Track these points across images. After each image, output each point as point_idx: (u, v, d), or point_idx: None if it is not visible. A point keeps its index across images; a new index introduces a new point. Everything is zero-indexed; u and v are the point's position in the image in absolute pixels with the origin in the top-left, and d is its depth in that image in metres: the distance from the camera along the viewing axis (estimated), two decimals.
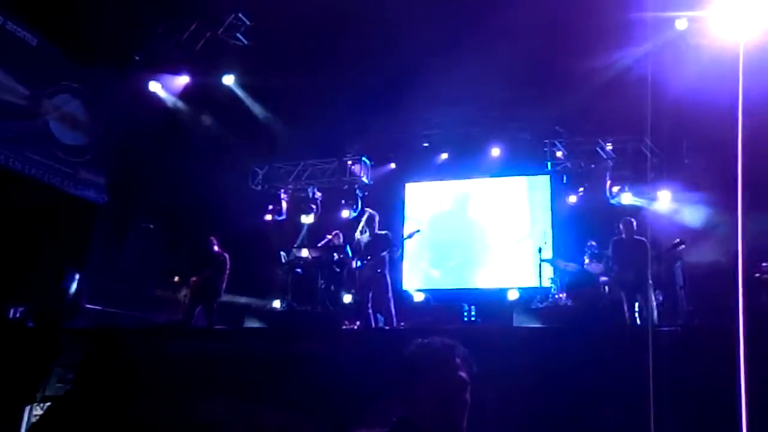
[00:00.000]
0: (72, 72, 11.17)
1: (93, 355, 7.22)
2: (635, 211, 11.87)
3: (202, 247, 10.12)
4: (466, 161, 13.94)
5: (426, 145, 14.20)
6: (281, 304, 12.01)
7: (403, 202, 14.44)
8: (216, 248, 10.11)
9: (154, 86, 12.19)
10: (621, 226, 9.25)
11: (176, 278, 11.47)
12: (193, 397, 6.56)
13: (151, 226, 11.40)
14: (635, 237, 8.99)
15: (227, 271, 9.96)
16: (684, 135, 11.94)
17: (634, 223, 9.19)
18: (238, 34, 10.94)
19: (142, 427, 6.33)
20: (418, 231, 9.38)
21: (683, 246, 9.02)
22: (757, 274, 8.68)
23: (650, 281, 8.61)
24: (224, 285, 10.01)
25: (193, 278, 9.95)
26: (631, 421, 5.09)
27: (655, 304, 8.56)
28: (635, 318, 8.52)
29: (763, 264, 8.99)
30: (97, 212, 11.60)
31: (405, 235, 9.46)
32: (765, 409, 3.11)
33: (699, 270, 9.87)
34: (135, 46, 11.33)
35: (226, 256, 10.02)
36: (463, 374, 2.05)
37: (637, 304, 8.72)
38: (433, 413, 2.02)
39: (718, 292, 9.38)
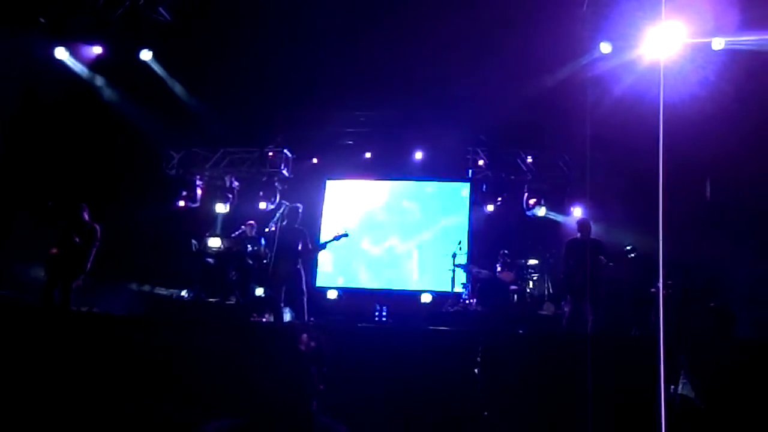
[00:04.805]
0: None
1: None
2: (553, 224, 12.17)
3: (69, 215, 8.93)
4: (388, 162, 13.95)
5: (350, 142, 14.07)
6: (188, 294, 11.54)
7: (323, 198, 14.23)
8: (86, 216, 8.92)
9: (60, 53, 11.21)
10: (577, 226, 9.23)
11: None
12: (87, 389, 6.11)
13: (50, 203, 10.54)
14: (592, 238, 8.93)
15: (96, 244, 8.74)
16: (603, 153, 12.33)
17: (591, 224, 9.19)
18: (160, 9, 10.39)
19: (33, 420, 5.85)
20: (346, 235, 8.98)
21: (635, 254, 8.81)
22: (653, 290, 8.90)
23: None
24: (90, 260, 8.73)
25: (53, 250, 8.63)
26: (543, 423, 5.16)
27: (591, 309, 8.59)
28: (583, 322, 8.43)
29: (669, 282, 9.33)
30: None
31: (331, 238, 9.07)
32: None
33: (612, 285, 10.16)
34: (41, 6, 10.45)
35: (97, 227, 8.86)
36: (302, 347, 2.30)
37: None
38: (282, 387, 2.25)
39: (625, 305, 9.76)
